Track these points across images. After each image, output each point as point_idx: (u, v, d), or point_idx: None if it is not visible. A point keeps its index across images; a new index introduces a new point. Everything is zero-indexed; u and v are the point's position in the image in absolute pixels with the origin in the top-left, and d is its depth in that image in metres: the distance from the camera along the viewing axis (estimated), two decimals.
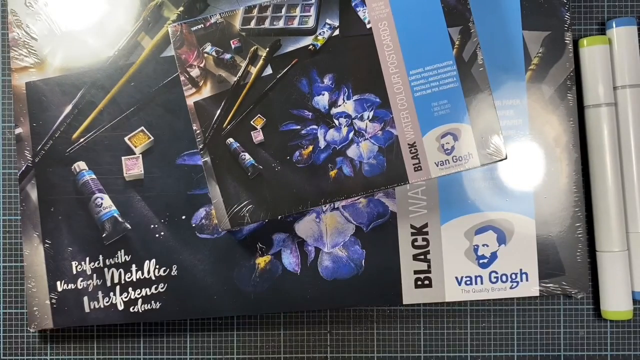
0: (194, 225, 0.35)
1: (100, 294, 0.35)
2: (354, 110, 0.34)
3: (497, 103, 0.36)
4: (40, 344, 0.36)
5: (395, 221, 0.36)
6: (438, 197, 0.36)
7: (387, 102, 0.35)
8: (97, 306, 0.35)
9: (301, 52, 0.35)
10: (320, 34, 0.35)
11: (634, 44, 0.35)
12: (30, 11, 0.35)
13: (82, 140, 0.35)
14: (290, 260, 0.35)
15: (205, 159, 0.33)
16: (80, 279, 0.35)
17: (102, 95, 0.35)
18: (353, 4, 0.35)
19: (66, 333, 0.36)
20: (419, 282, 0.36)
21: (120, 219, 0.35)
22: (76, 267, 0.35)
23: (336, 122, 0.34)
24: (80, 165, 0.35)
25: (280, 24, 0.36)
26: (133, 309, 0.35)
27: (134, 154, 0.35)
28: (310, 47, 0.35)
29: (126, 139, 0.35)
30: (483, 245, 0.36)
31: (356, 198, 0.36)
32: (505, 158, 0.32)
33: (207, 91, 0.35)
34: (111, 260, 0.35)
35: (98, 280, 0.35)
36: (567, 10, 0.36)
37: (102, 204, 0.35)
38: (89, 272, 0.35)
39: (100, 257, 0.35)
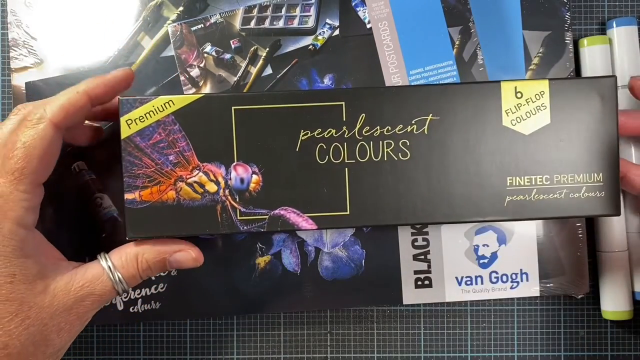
0: None
1: None
2: None
3: None
4: None
5: None
6: None
7: None
8: None
9: (301, 52, 0.35)
10: (320, 34, 0.35)
11: (634, 43, 0.35)
12: (30, 11, 0.35)
13: None
14: (290, 260, 0.35)
15: None
16: None
17: None
18: (353, 4, 0.35)
19: None
20: (419, 282, 0.36)
21: (120, 219, 0.35)
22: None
23: None
24: (80, 165, 0.35)
25: (280, 24, 0.36)
26: (133, 309, 0.35)
27: None
28: (310, 47, 0.35)
29: None
30: (483, 245, 0.36)
31: None
32: None
33: (207, 91, 0.35)
34: None
35: None
36: (568, 10, 0.36)
37: (102, 204, 0.35)
38: None
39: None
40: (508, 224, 0.36)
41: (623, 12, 0.37)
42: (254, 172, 0.29)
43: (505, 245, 0.36)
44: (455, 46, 0.36)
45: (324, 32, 0.35)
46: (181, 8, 0.35)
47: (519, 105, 0.29)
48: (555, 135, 0.29)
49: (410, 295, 0.36)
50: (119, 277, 0.28)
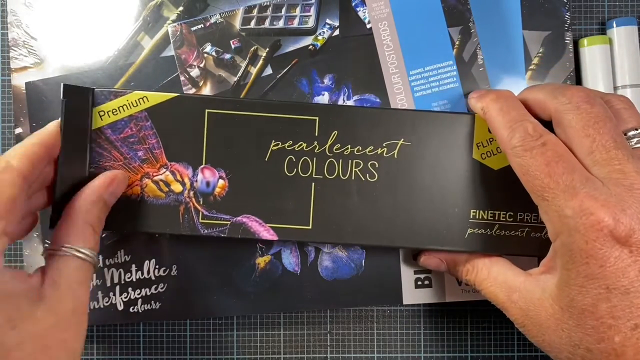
0: None
1: (100, 294, 0.35)
2: None
3: None
4: None
5: None
6: None
7: (387, 103, 0.35)
8: (96, 306, 0.35)
9: (301, 52, 0.35)
10: (320, 34, 0.35)
11: (635, 43, 0.35)
12: (30, 11, 0.35)
13: None
14: (290, 260, 0.35)
15: None
16: None
17: None
18: (353, 4, 0.35)
19: None
20: (419, 282, 0.36)
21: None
22: None
23: None
24: None
25: (280, 24, 0.36)
26: (133, 309, 0.35)
27: None
28: (310, 47, 0.35)
29: None
30: None
31: None
32: None
33: (207, 91, 0.35)
34: (111, 260, 0.35)
35: (98, 281, 0.35)
36: (568, 10, 0.36)
37: None
38: None
39: (100, 257, 0.35)
40: None
41: (623, 12, 0.37)
42: (220, 177, 0.29)
43: None
44: (455, 46, 0.36)
45: (324, 32, 0.35)
46: (181, 8, 0.35)
47: (491, 139, 0.30)
48: None
49: (410, 295, 0.36)
50: (87, 253, 0.26)
